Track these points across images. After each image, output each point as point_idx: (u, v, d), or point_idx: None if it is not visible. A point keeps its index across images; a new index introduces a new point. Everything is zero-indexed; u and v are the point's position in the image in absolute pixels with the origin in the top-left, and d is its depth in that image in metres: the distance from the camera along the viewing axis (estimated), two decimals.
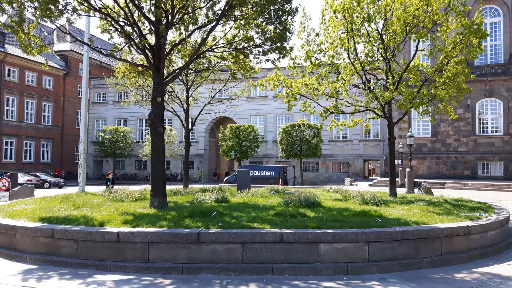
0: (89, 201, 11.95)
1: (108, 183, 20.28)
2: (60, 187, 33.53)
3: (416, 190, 21.92)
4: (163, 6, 10.28)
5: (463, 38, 13.02)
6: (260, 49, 12.32)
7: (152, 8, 10.97)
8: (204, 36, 12.02)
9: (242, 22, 11.88)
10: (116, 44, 13.22)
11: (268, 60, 13.11)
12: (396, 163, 28.36)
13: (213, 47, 13.03)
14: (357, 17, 13.40)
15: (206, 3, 11.23)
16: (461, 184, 30.43)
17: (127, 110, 46.33)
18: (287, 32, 11.77)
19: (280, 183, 29.21)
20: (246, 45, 12.45)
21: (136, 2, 10.46)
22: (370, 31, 13.98)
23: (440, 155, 36.11)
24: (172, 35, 14.22)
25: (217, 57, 14.53)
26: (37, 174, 35.68)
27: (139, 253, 7.33)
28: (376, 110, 14.81)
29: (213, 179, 46.73)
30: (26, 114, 43.98)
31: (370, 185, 32.34)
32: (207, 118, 42.70)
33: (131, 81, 18.50)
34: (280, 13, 11.53)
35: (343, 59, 14.83)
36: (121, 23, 11.23)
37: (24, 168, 41.86)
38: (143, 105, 25.18)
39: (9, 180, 19.21)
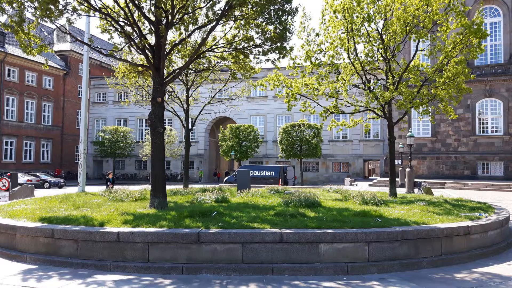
0: (89, 201, 11.94)
1: (108, 183, 20.28)
2: (60, 187, 33.53)
3: (416, 190, 21.92)
4: (163, 6, 10.28)
5: (463, 38, 13.02)
6: (260, 49, 12.32)
7: (152, 8, 10.97)
8: (204, 36, 12.01)
9: (242, 22, 11.87)
10: (116, 44, 13.23)
11: (268, 60, 13.11)
12: (396, 163, 28.36)
13: (213, 47, 13.03)
14: (357, 17, 13.40)
15: (206, 3, 11.22)
16: (461, 184, 30.43)
17: (127, 110, 46.33)
18: (287, 32, 11.76)
19: (280, 183, 29.21)
20: (246, 45, 12.44)
21: (136, 2, 10.46)
22: (370, 31, 13.98)
23: (440, 155, 36.10)
24: (172, 35, 14.23)
25: (217, 57, 14.53)
26: (37, 174, 35.69)
27: (139, 253, 7.33)
28: (376, 110, 14.81)
29: (213, 179, 46.73)
30: (26, 114, 43.98)
31: (370, 185, 32.34)
32: (207, 118, 42.69)
33: (131, 81, 18.49)
34: (280, 13, 11.52)
35: (343, 59, 14.83)
36: (121, 23, 11.23)
37: (24, 168, 41.85)
38: (143, 105, 25.17)
39: (9, 180, 19.21)
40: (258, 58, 13.10)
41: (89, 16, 12.06)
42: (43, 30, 48.18)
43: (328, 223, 8.13)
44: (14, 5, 10.09)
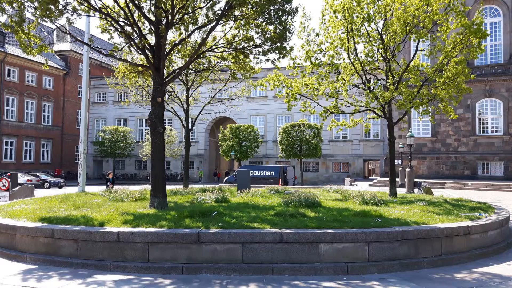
0: (89, 201, 11.94)
1: (108, 183, 20.28)
2: (60, 187, 33.52)
3: (416, 190, 21.92)
4: (163, 6, 10.28)
5: (463, 38, 13.02)
6: (260, 49, 12.32)
7: (152, 8, 10.97)
8: (204, 36, 12.02)
9: (242, 22, 11.87)
10: (116, 44, 13.23)
11: (268, 60, 13.11)
12: (396, 163, 28.36)
13: (213, 47, 13.03)
14: (357, 17, 13.40)
15: (206, 3, 11.23)
16: (461, 184, 30.43)
17: (127, 110, 46.33)
18: (287, 32, 11.76)
19: (280, 183, 29.21)
20: (246, 45, 12.44)
21: (136, 2, 10.46)
22: (370, 31, 13.98)
23: (440, 155, 36.10)
24: (172, 35, 14.23)
25: (217, 57, 14.53)
26: (37, 174, 35.68)
27: (139, 253, 7.33)
28: (376, 110, 14.81)
29: (213, 179, 46.73)
30: (26, 114, 43.98)
31: (370, 185, 32.34)
32: (207, 118, 42.70)
33: (131, 81, 18.49)
34: (280, 13, 11.52)
35: (343, 59, 14.83)
36: (121, 23, 11.23)
37: (24, 168, 41.85)
38: (143, 105, 25.18)
39: (9, 180, 19.21)
40: (258, 58, 13.10)
41: (89, 16, 12.06)
42: (43, 30, 48.17)
43: (328, 223, 8.13)
44: (14, 5, 10.09)
